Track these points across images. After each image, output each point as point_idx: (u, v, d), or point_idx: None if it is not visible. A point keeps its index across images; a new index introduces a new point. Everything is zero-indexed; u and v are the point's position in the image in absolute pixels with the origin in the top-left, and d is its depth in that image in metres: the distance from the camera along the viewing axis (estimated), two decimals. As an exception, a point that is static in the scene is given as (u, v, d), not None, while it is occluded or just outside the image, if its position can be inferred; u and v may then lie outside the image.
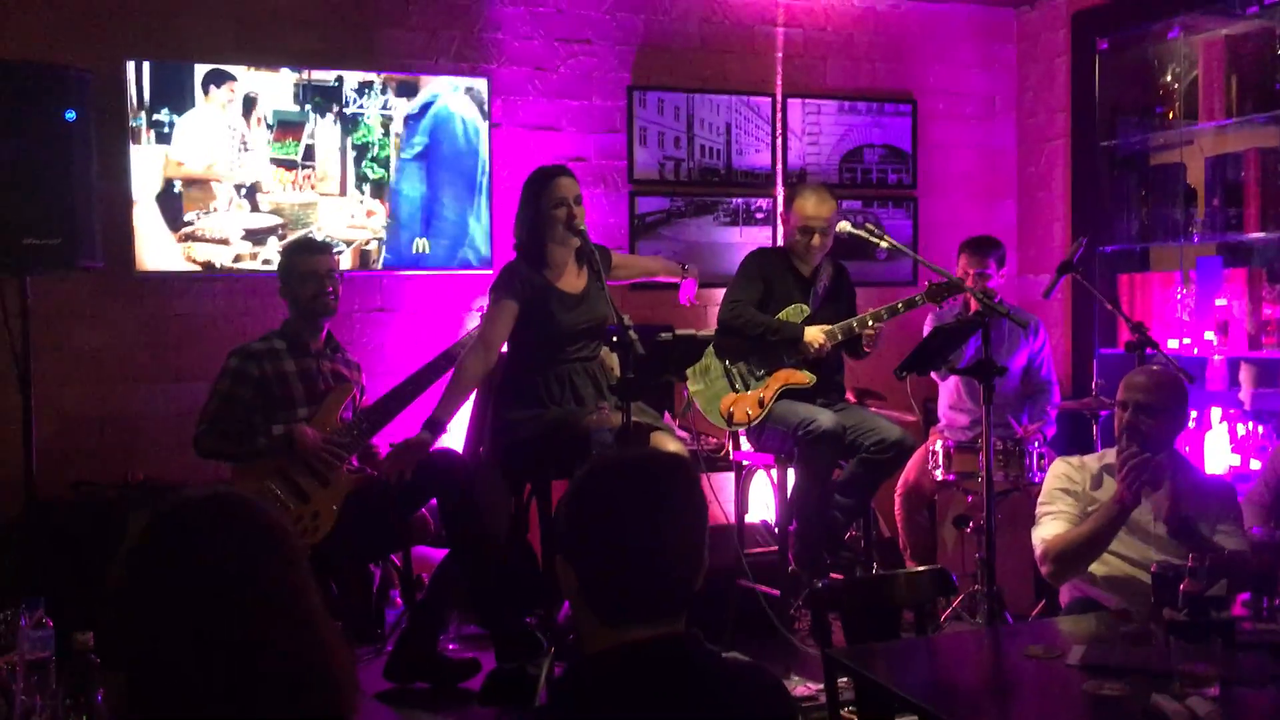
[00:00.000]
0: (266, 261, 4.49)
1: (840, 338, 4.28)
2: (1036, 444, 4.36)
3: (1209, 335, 4.74)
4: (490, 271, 4.79)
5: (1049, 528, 3.16)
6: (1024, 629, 3.52)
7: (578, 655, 1.52)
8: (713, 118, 5.24)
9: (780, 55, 5.37)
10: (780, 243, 5.00)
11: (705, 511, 1.56)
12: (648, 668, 1.46)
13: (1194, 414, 4.44)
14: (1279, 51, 4.51)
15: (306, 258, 3.90)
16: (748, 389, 4.26)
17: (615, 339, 3.37)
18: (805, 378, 4.24)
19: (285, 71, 4.55)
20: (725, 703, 1.50)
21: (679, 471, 1.57)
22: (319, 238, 4.52)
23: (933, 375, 4.87)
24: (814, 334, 4.25)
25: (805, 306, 4.35)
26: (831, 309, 4.41)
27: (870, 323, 4.29)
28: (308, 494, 3.75)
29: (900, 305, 4.30)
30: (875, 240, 3.94)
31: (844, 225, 4.18)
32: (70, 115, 3.84)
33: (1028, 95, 5.74)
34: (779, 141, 5.37)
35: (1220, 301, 4.71)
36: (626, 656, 1.46)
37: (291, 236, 4.51)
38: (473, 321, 4.88)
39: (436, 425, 3.79)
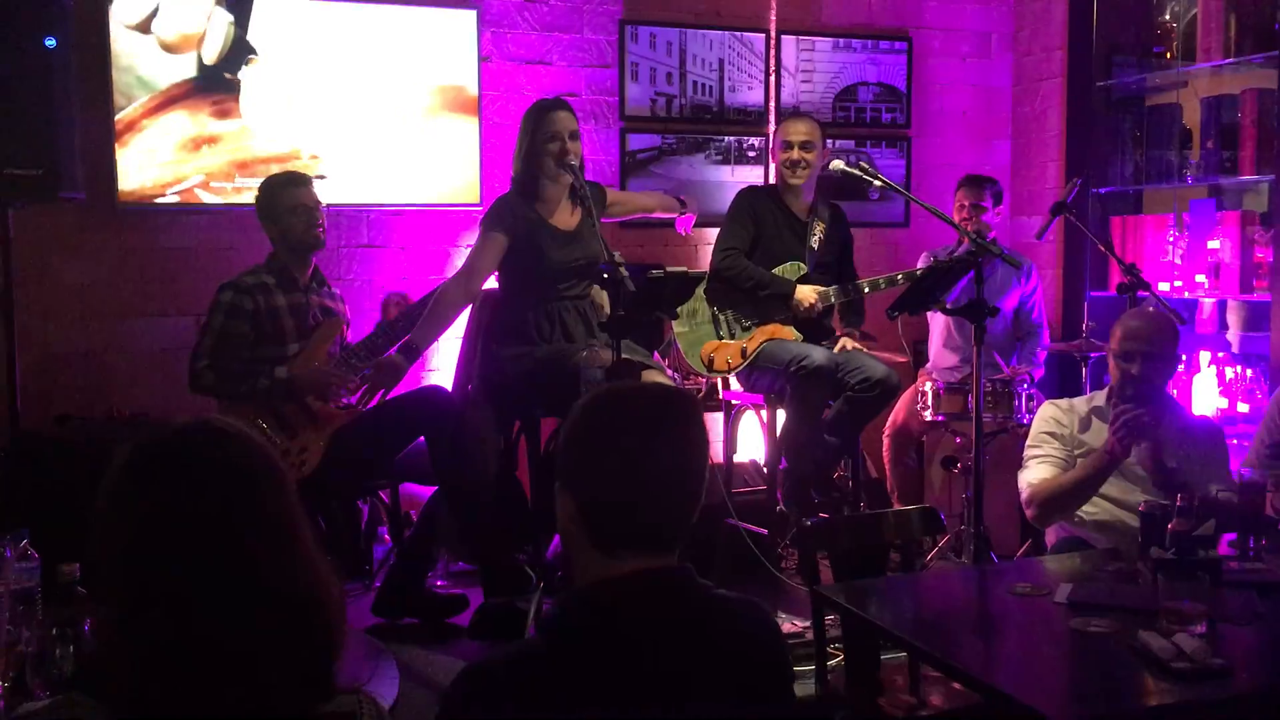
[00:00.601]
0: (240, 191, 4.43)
1: (833, 300, 4.26)
2: (1025, 385, 4.36)
3: (1200, 278, 4.73)
4: (479, 206, 4.74)
5: (1036, 471, 3.17)
6: (1011, 568, 3.54)
7: (568, 589, 1.52)
8: (705, 53, 5.17)
9: (775, -10, 5.29)
10: (772, 179, 4.95)
11: (706, 446, 1.56)
12: (642, 599, 1.46)
13: (1183, 357, 4.44)
14: (1279, -9, 4.45)
15: (295, 190, 3.85)
16: (733, 337, 4.24)
17: (606, 276, 3.34)
18: (791, 334, 4.22)
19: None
20: (718, 635, 1.50)
21: (683, 403, 1.57)
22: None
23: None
24: (806, 292, 4.21)
25: (803, 265, 4.31)
26: (831, 258, 4.38)
27: (865, 290, 4.28)
28: (295, 429, 3.74)
29: (900, 276, 4.28)
30: (869, 179, 3.89)
31: (837, 164, 4.13)
32: (50, 43, 3.76)
33: (1024, 33, 5.67)
34: (772, 79, 5.30)
35: (1213, 244, 4.69)
36: (620, 588, 1.46)
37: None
38: (461, 258, 4.84)
39: (411, 349, 3.79)
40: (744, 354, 4.19)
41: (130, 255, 4.43)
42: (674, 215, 4.50)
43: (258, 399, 3.69)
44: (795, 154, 4.27)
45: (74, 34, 3.91)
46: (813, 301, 4.20)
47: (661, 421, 1.51)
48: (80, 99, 3.99)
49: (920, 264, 4.73)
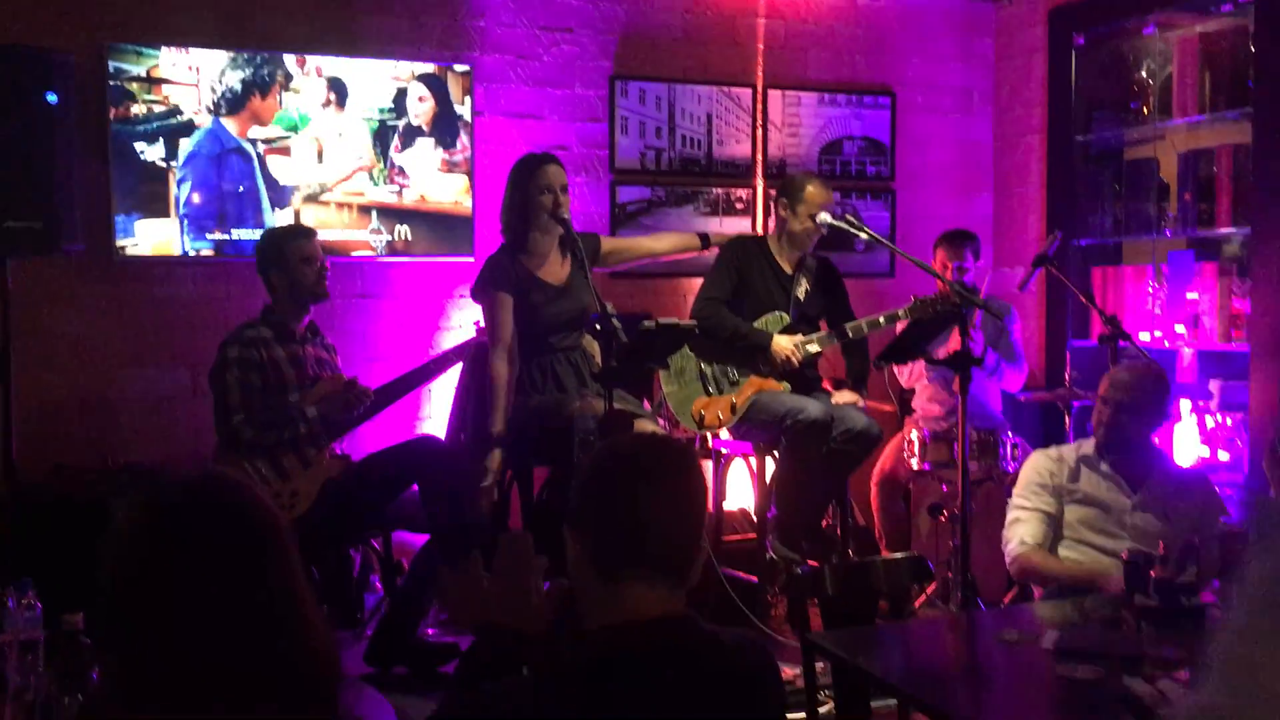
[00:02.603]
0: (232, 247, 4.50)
1: (818, 347, 4.31)
2: (1009, 435, 4.42)
3: (1179, 328, 4.82)
4: (472, 259, 4.81)
5: (1025, 529, 3.21)
6: (998, 614, 3.58)
7: (572, 631, 1.57)
8: (694, 108, 5.27)
9: (761, 46, 5.41)
10: (761, 231, 5.03)
11: (705, 492, 1.67)
12: (645, 644, 1.50)
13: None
14: (1252, 48, 4.58)
15: (303, 243, 3.90)
16: (720, 392, 4.29)
17: (598, 327, 3.40)
18: (779, 386, 4.26)
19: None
20: (720, 678, 1.55)
21: (688, 453, 1.71)
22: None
23: (899, 378, 4.93)
24: (782, 343, 4.24)
25: (785, 316, 4.36)
26: (816, 310, 4.43)
27: (850, 334, 4.31)
28: (289, 473, 3.77)
29: (882, 319, 4.33)
30: (855, 232, 3.98)
31: (824, 216, 4.22)
32: (52, 98, 3.83)
33: (1005, 89, 5.80)
34: (759, 132, 5.41)
35: (1191, 295, 4.78)
36: (624, 633, 1.51)
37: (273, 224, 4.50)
38: (456, 309, 4.90)
39: (498, 438, 3.86)
40: (734, 409, 4.22)
41: (127, 306, 4.47)
42: (694, 254, 4.49)
43: (299, 444, 3.73)
44: (817, 222, 4.26)
45: (75, 89, 3.98)
46: (789, 352, 4.24)
47: (670, 466, 1.62)
48: (80, 153, 4.04)
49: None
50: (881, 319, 4.33)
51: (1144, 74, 5.18)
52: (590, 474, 1.64)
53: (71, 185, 3.94)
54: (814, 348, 4.30)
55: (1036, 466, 3.31)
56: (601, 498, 1.60)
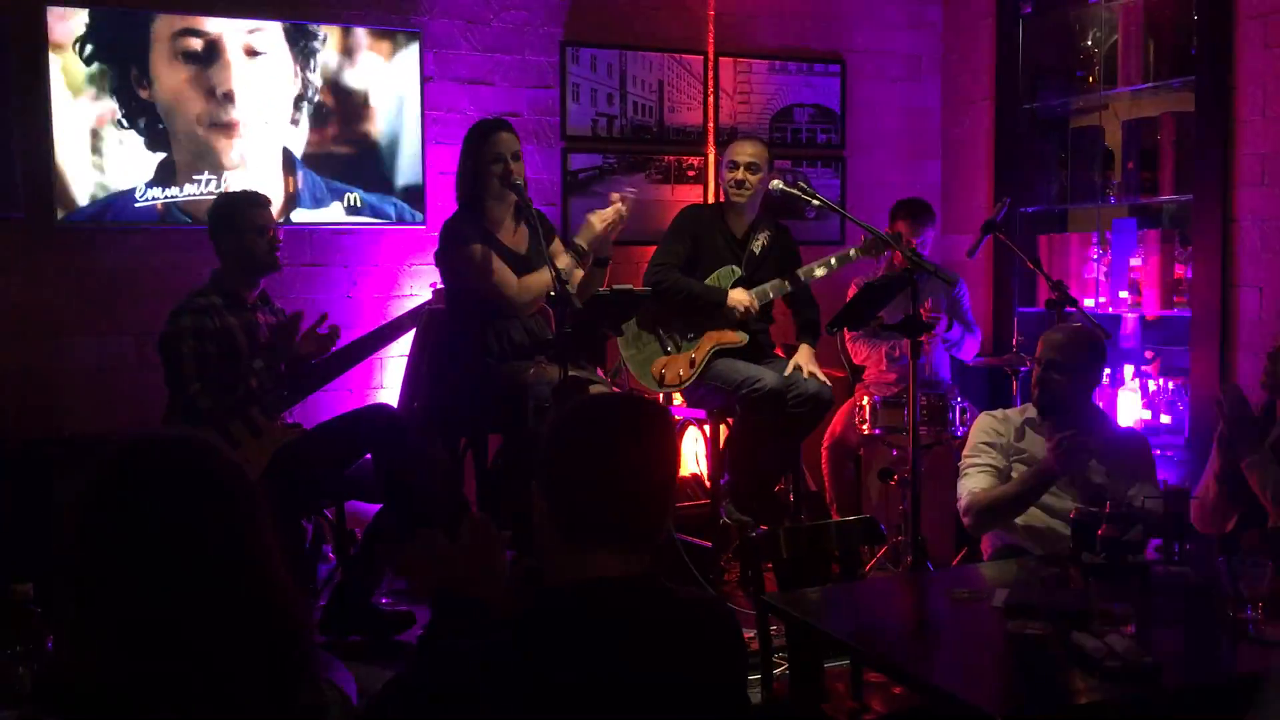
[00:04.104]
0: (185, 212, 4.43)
1: (771, 296, 4.35)
2: (958, 399, 4.49)
3: (1123, 294, 4.91)
4: (423, 226, 4.77)
5: (975, 480, 3.27)
6: (948, 574, 3.65)
7: (537, 587, 1.57)
8: (645, 75, 5.25)
9: (712, 14, 5.39)
10: (714, 199, 5.04)
11: (676, 455, 1.67)
12: (609, 603, 1.51)
13: (1107, 371, 4.60)
14: (1194, 16, 4.64)
15: (258, 211, 3.83)
16: (679, 350, 4.32)
17: (553, 294, 3.40)
18: (736, 337, 4.30)
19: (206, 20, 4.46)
20: (682, 637, 1.56)
21: (662, 415, 1.68)
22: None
23: (849, 345, 4.98)
24: (738, 296, 4.30)
25: (737, 269, 4.40)
26: (774, 269, 4.47)
27: (802, 278, 4.36)
28: (238, 440, 3.73)
29: (833, 260, 4.38)
30: (807, 199, 4.00)
31: (776, 183, 4.23)
32: (-11, 61, 3.74)
33: (953, 57, 5.84)
34: (710, 100, 5.40)
35: (1135, 261, 4.87)
36: (590, 591, 1.51)
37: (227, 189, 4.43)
38: (408, 278, 4.86)
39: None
40: (693, 364, 4.26)
41: (70, 274, 4.39)
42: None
43: (251, 400, 3.69)
44: (740, 174, 4.37)
45: (12, 54, 3.88)
46: (747, 302, 4.28)
47: (643, 427, 1.59)
48: (19, 118, 3.95)
49: (851, 291, 4.84)
50: (833, 260, 4.38)
51: (1089, 43, 5.23)
52: (561, 433, 1.61)
53: (11, 151, 3.85)
54: (770, 293, 4.33)
55: (984, 426, 3.38)
56: (572, 462, 1.57)
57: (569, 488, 1.57)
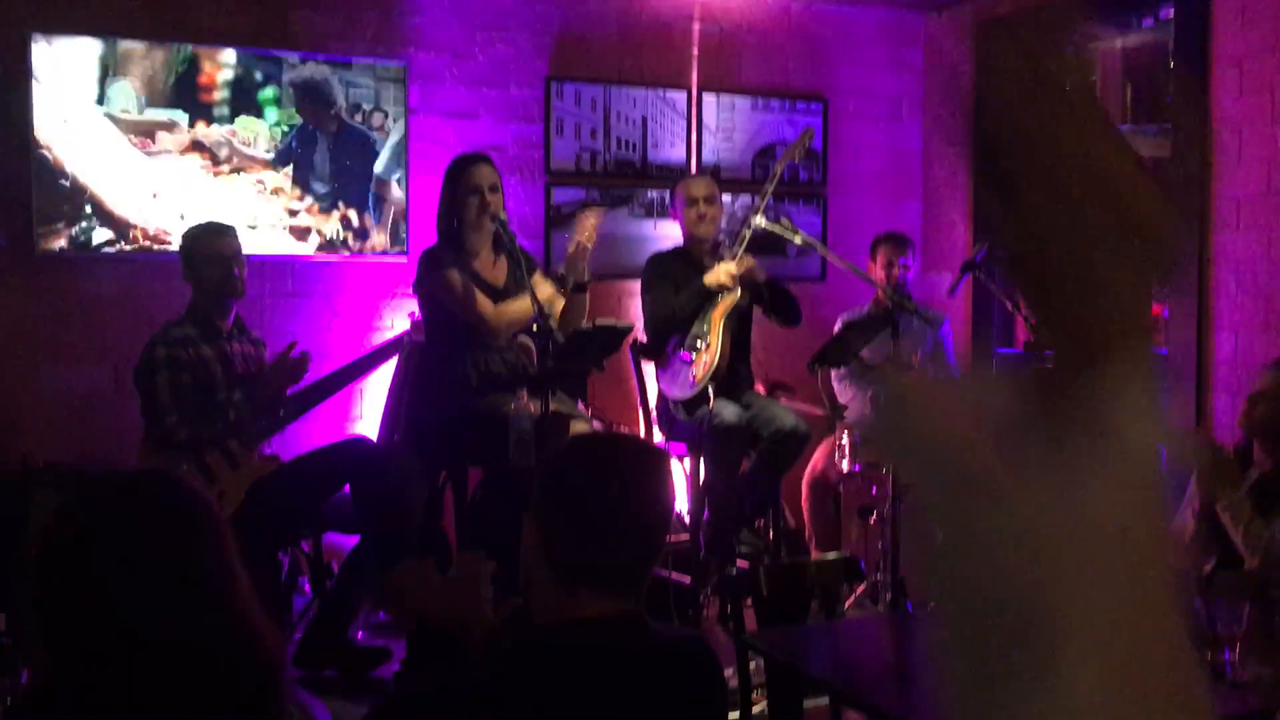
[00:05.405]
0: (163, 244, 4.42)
1: (741, 248, 4.38)
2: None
3: (1101, 335, 4.94)
4: (405, 259, 4.77)
5: None
6: (929, 614, 3.64)
7: (524, 625, 1.56)
8: (629, 110, 5.29)
9: (696, 51, 5.44)
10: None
11: (672, 500, 1.64)
12: (596, 644, 1.50)
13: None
14: (1170, 63, 4.72)
15: (212, 240, 3.85)
16: (709, 347, 4.35)
17: (535, 327, 3.40)
18: (733, 297, 4.35)
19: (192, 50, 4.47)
20: (666, 677, 1.55)
21: (662, 459, 1.67)
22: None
23: (835, 385, 5.00)
24: (715, 274, 4.35)
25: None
26: (745, 297, 4.50)
27: (755, 217, 4.36)
28: (216, 473, 3.70)
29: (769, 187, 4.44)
30: (789, 236, 4.03)
31: (760, 220, 4.26)
32: (-28, 88, 3.73)
33: (934, 98, 5.90)
34: (694, 136, 5.44)
35: (1112, 303, 4.90)
36: (576, 632, 1.50)
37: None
38: (389, 309, 4.86)
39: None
40: (710, 346, 4.30)
41: (46, 302, 4.36)
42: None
43: (230, 433, 3.67)
44: (701, 208, 4.48)
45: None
46: (726, 271, 4.32)
47: (641, 470, 1.58)
48: (1, 145, 3.95)
49: (837, 328, 4.86)
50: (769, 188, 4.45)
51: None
52: (561, 472, 1.59)
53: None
54: (742, 249, 4.39)
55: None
56: (570, 504, 1.55)
57: (565, 529, 1.55)
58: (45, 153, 4.24)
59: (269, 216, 4.62)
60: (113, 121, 4.35)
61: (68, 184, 4.29)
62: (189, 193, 4.48)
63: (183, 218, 4.40)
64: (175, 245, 4.05)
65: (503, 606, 1.65)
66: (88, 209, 4.33)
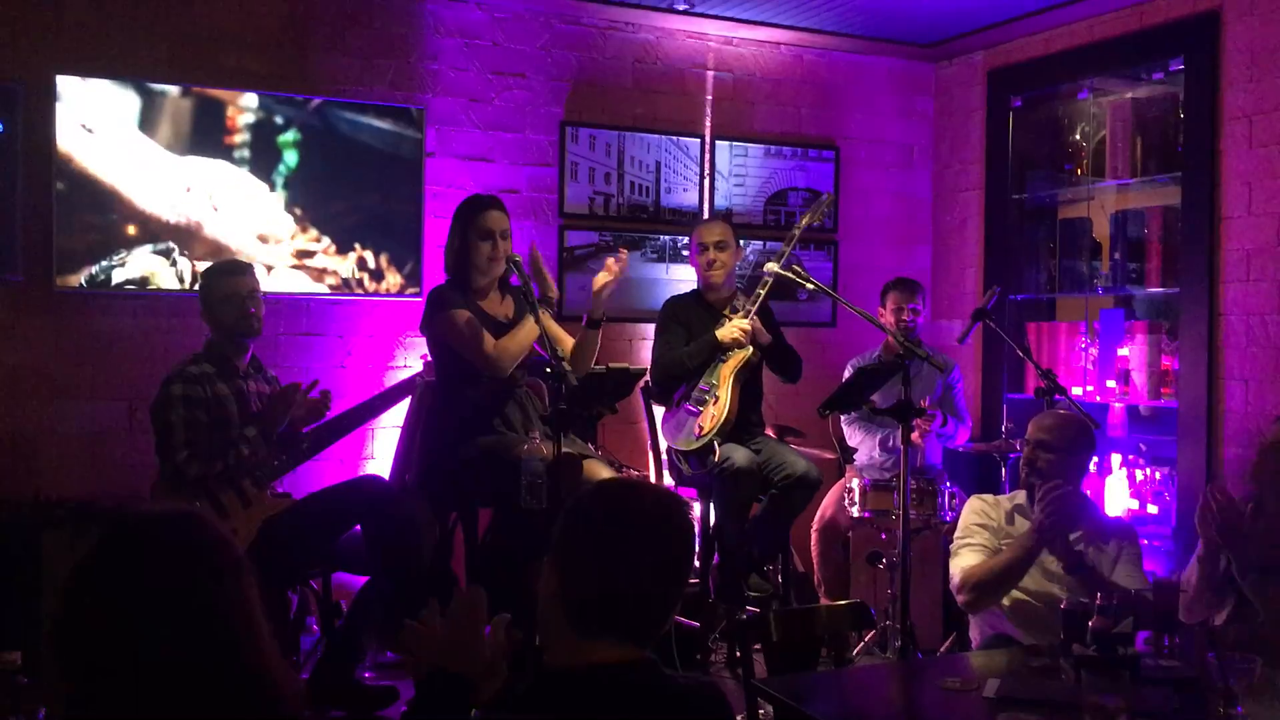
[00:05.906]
0: (181, 280, 4.46)
1: (755, 306, 4.40)
2: (948, 484, 4.50)
3: (1111, 383, 4.96)
4: (419, 299, 4.80)
5: (967, 558, 3.28)
6: (939, 662, 3.63)
7: (536, 667, 1.56)
8: (643, 155, 5.34)
9: (710, 98, 5.50)
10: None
11: (693, 552, 1.64)
12: (609, 694, 1.51)
13: (1095, 459, 4.63)
14: (1181, 115, 4.76)
15: (227, 279, 3.87)
16: (716, 400, 4.35)
17: (549, 370, 3.41)
18: (744, 353, 4.37)
19: (216, 94, 4.54)
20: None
21: (682, 508, 1.66)
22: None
23: (845, 428, 5.01)
24: (727, 330, 4.38)
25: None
26: (756, 355, 4.51)
27: (766, 266, 4.36)
28: (228, 510, 3.71)
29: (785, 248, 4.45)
30: (801, 281, 4.05)
31: (772, 266, 4.29)
32: (-1, 126, 3.79)
33: (944, 147, 5.96)
34: (707, 181, 5.49)
35: (1123, 351, 4.93)
36: (590, 680, 1.51)
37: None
38: (403, 349, 4.89)
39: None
40: (718, 399, 4.30)
41: (64, 338, 4.40)
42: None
43: (243, 470, 3.69)
44: (711, 254, 4.53)
45: (22, 120, 3.94)
46: (739, 328, 4.35)
47: (664, 522, 1.59)
48: (24, 182, 3.99)
49: (847, 373, 4.90)
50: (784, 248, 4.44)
51: (1078, 136, 5.35)
52: (581, 520, 1.60)
53: (14, 215, 3.89)
54: (755, 307, 4.42)
55: (974, 509, 3.40)
56: (587, 551, 1.56)
57: (585, 575, 1.56)
58: (69, 191, 4.30)
59: (285, 257, 4.67)
60: (139, 167, 4.41)
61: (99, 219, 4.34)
62: (212, 230, 4.53)
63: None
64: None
65: (509, 633, 1.63)
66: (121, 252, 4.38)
